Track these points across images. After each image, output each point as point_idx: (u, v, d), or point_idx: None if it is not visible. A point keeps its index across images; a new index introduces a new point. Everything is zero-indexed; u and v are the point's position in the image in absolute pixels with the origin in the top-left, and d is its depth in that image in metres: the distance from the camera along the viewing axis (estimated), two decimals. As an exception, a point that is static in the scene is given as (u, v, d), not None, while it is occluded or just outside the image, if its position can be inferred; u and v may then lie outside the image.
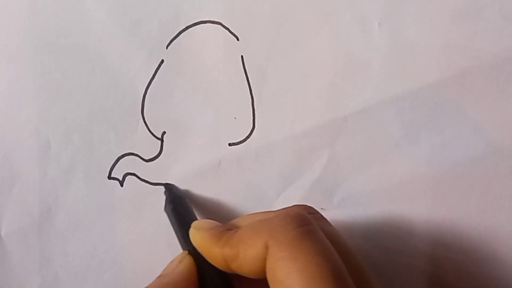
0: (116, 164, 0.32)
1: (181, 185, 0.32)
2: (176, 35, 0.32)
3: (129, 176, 0.32)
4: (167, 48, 0.32)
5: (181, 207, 0.30)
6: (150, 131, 0.32)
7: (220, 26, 0.32)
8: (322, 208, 0.32)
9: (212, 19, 0.32)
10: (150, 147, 0.32)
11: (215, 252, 0.25)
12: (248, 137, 0.32)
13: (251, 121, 0.32)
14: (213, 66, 0.32)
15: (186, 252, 0.28)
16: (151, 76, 0.32)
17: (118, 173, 0.32)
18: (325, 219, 0.26)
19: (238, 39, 0.32)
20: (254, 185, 0.32)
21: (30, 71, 0.32)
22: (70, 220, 0.32)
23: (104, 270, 0.32)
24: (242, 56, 0.32)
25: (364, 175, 0.32)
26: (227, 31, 0.32)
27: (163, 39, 0.32)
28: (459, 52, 0.31)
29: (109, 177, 0.32)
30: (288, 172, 0.32)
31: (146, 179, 0.32)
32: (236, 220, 0.28)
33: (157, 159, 0.32)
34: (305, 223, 0.23)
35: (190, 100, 0.32)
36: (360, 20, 0.31)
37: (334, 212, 0.32)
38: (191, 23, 0.32)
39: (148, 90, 0.32)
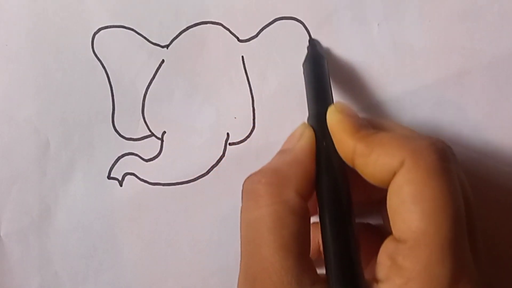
0: (115, 164, 0.32)
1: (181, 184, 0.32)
2: (176, 35, 0.32)
3: (128, 176, 0.32)
4: (167, 48, 0.32)
5: (320, 69, 0.29)
6: (150, 131, 0.32)
7: (221, 26, 0.32)
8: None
9: (213, 20, 0.32)
10: (150, 147, 0.32)
11: (347, 142, 0.24)
12: (248, 136, 0.32)
13: (251, 121, 0.32)
14: (214, 66, 0.32)
15: (306, 123, 0.27)
16: (151, 76, 0.32)
17: (117, 173, 0.32)
18: (460, 165, 0.25)
19: (238, 40, 0.32)
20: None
21: (30, 71, 0.32)
22: (69, 220, 0.32)
23: (104, 270, 0.32)
24: (242, 57, 0.32)
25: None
26: (227, 31, 0.32)
27: (163, 39, 0.32)
28: (458, 52, 0.31)
29: (109, 177, 0.32)
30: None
31: (145, 179, 0.32)
32: (383, 120, 0.28)
33: (157, 159, 0.32)
34: (448, 159, 0.23)
35: (191, 100, 0.32)
36: (360, 20, 0.31)
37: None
38: (192, 23, 0.32)
39: (149, 90, 0.32)
